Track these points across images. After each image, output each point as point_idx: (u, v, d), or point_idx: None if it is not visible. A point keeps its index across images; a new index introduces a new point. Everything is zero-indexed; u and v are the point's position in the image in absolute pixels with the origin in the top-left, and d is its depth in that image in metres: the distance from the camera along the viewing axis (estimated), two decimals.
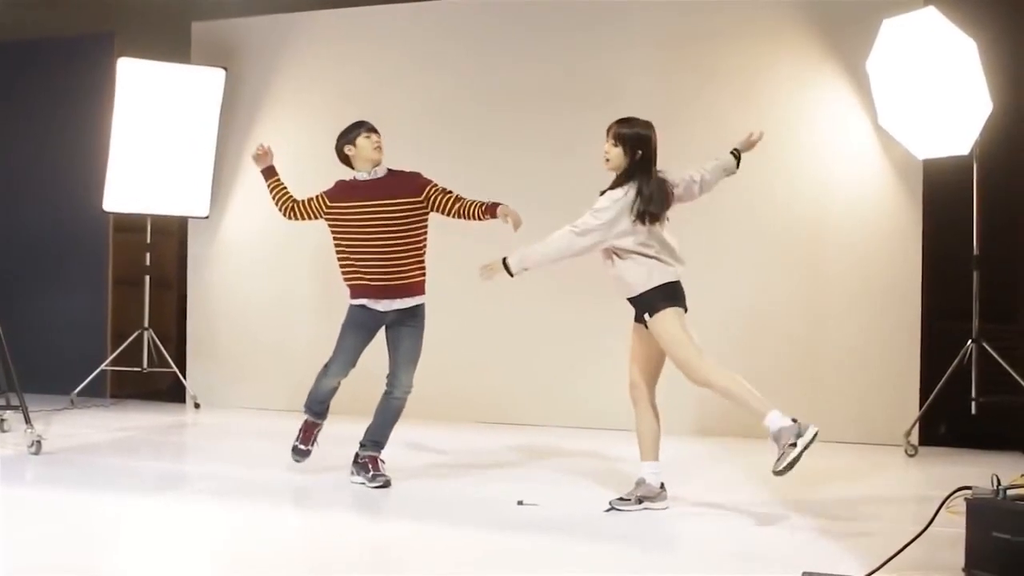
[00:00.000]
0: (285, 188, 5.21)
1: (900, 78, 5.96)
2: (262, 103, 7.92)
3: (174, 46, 8.01)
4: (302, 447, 5.21)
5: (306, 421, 5.22)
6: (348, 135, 5.02)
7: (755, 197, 6.63)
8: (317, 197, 5.09)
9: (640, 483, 4.52)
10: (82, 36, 8.28)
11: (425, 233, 5.02)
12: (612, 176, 4.55)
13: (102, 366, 7.81)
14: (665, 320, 4.39)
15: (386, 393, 5.07)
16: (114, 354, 7.89)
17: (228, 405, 7.79)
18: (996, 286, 6.19)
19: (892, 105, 6.05)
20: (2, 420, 6.25)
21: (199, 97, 7.74)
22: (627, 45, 7.00)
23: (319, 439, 5.23)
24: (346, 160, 5.05)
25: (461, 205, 4.92)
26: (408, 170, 5.06)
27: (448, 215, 4.96)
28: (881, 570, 3.34)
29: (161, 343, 7.83)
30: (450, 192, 4.96)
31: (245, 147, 7.87)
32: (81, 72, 8.22)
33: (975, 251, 6.01)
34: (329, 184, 5.14)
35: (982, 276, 6.01)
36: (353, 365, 5.07)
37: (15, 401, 5.77)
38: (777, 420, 4.16)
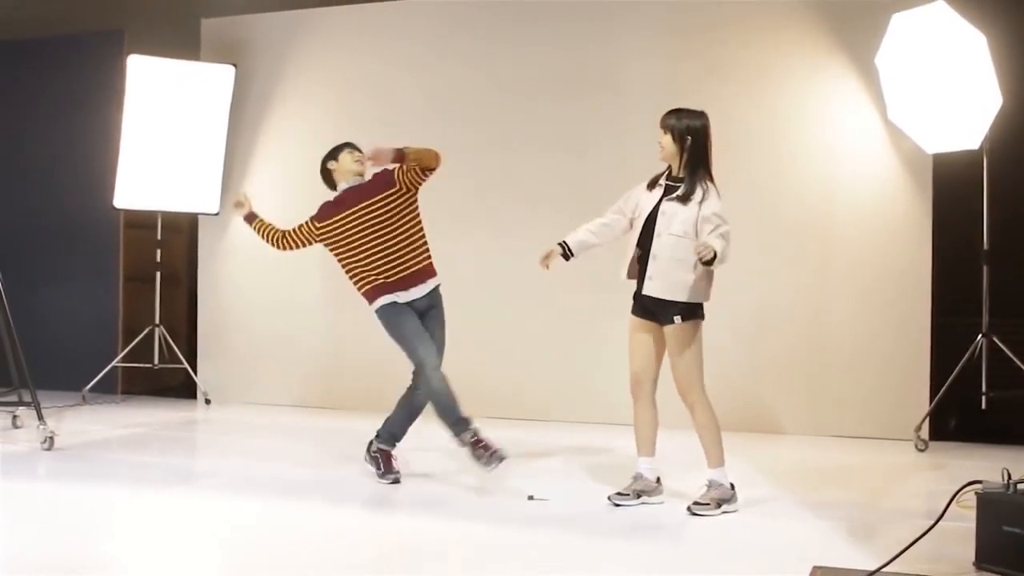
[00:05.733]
0: (270, 224, 5.25)
1: (910, 72, 5.94)
2: (272, 100, 7.93)
3: (184, 43, 8.03)
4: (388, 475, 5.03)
5: (382, 450, 5.05)
6: (332, 152, 5.12)
7: (763, 192, 6.64)
8: (305, 223, 5.12)
9: (638, 477, 4.54)
10: (92, 33, 8.31)
11: (418, 217, 5.01)
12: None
13: (113, 362, 7.85)
14: (696, 328, 4.39)
15: (412, 387, 5.02)
16: (125, 351, 7.92)
17: (239, 401, 7.82)
18: (1006, 280, 6.18)
19: (902, 99, 6.04)
20: (15, 416, 6.29)
21: (209, 94, 7.76)
22: (634, 36, 6.99)
23: (336, 443, 5.16)
24: (328, 177, 5.12)
25: (415, 164, 4.87)
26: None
27: (422, 181, 4.93)
28: (892, 564, 3.34)
29: (172, 339, 7.85)
30: (410, 162, 4.89)
31: (255, 144, 7.90)
32: (91, 69, 8.24)
33: (985, 245, 6.00)
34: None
35: (992, 270, 6.00)
36: (433, 340, 4.94)
37: (28, 398, 5.81)
38: (724, 475, 4.42)
